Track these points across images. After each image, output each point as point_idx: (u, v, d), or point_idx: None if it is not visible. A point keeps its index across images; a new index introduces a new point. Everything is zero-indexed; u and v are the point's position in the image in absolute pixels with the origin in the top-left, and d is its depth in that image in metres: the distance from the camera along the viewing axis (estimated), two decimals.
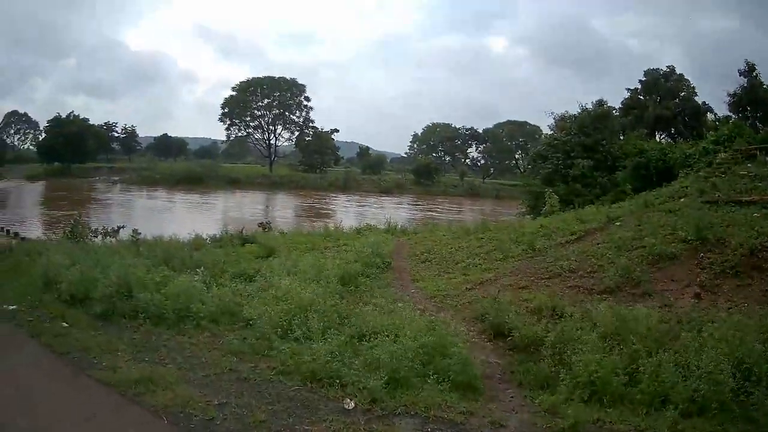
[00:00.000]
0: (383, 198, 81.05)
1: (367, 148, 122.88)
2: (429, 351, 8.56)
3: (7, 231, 30.93)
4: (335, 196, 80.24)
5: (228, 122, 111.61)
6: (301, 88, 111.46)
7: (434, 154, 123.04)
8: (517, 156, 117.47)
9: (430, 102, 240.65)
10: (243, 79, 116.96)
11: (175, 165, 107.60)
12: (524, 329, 9.83)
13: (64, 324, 10.76)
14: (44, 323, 10.81)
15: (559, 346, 8.70)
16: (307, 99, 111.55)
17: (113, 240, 20.99)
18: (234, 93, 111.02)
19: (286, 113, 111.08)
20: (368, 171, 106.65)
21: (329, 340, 9.02)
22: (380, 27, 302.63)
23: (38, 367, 8.98)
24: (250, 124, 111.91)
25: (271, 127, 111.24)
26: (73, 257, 14.21)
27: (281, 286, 11.86)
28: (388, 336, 8.81)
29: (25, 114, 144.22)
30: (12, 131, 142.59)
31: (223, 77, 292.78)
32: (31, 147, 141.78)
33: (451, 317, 11.09)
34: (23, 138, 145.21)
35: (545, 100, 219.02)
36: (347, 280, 13.85)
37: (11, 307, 11.68)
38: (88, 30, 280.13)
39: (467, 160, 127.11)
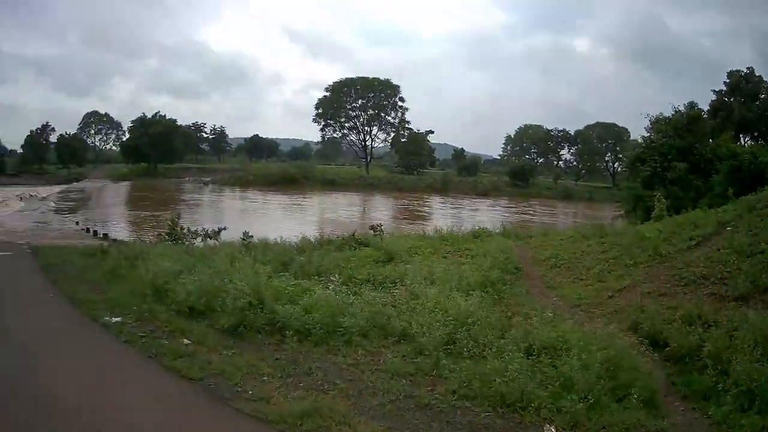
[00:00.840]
0: (477, 200, 79.55)
1: (462, 149, 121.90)
2: (610, 367, 8.03)
3: (94, 232, 31.39)
4: (428, 198, 79.14)
5: (322, 123, 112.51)
6: (396, 89, 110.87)
7: (526, 156, 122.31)
8: (606, 158, 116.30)
9: (519, 103, 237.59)
10: (332, 79, 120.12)
11: (270, 166, 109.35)
12: (680, 339, 9.41)
13: (186, 341, 9.66)
14: (160, 340, 9.71)
15: (719, 356, 8.34)
16: (402, 99, 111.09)
17: (215, 242, 20.37)
18: (327, 93, 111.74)
19: (382, 114, 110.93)
20: (464, 173, 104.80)
21: (505, 356, 8.24)
22: (467, 26, 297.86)
23: (166, 398, 7.77)
24: (345, 124, 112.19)
25: (366, 128, 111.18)
26: (183, 262, 13.38)
27: (428, 295, 11.09)
28: (560, 350, 8.39)
29: (106, 114, 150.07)
30: (92, 131, 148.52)
31: (312, 78, 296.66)
32: (113, 147, 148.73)
33: (603, 327, 10.13)
34: (105, 138, 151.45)
35: (628, 101, 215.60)
36: (487, 287, 12.97)
37: (115, 320, 10.61)
38: (168, 30, 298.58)
39: (560, 163, 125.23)
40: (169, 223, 22.02)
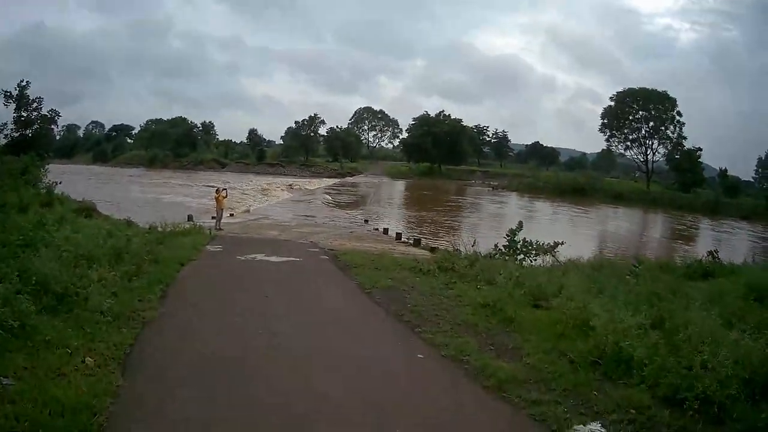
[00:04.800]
0: (741, 223, 77.62)
1: (725, 170, 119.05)
2: None
3: (398, 235, 28.95)
4: (704, 219, 79.49)
5: (608, 133, 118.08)
6: (673, 102, 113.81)
7: None
8: None
9: (760, 122, 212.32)
10: (600, 90, 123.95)
11: (560, 174, 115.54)
12: None
13: None
14: None
15: None
16: (679, 114, 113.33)
17: (550, 259, 19.51)
18: (612, 104, 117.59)
19: (661, 128, 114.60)
20: (726, 194, 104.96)
21: None
22: (711, 40, 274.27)
23: None
24: (629, 136, 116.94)
25: (648, 141, 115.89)
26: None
27: None
28: None
29: (381, 111, 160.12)
30: (365, 127, 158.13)
31: (580, 87, 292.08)
32: (389, 144, 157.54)
33: None
34: (379, 135, 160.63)
35: None
36: None
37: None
38: (434, 32, 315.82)
39: None
40: (507, 234, 20.18)
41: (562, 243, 20.12)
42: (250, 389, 7.20)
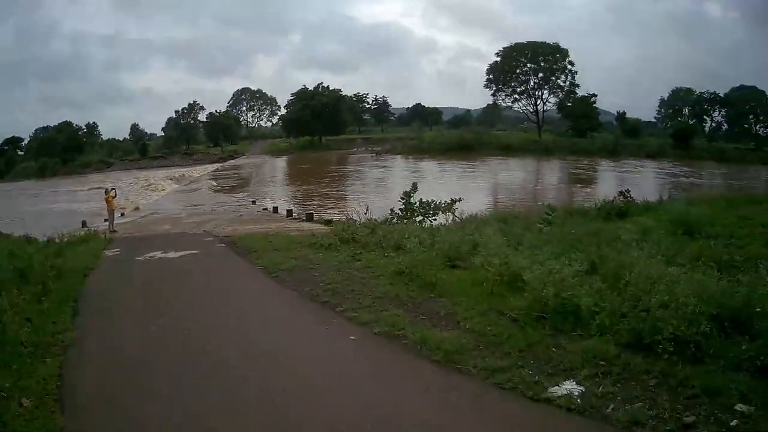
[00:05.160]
0: (645, 162, 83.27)
1: (624, 112, 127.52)
2: None
3: (288, 212, 29.11)
4: (602, 162, 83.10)
5: (494, 88, 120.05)
6: (564, 53, 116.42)
7: (679, 119, 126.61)
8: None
9: (663, 67, 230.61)
10: (484, 48, 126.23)
11: (444, 133, 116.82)
12: None
13: None
14: None
15: None
16: (571, 63, 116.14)
17: (449, 217, 19.80)
18: (498, 59, 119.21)
19: (552, 78, 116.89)
20: (626, 136, 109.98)
21: None
22: None
23: None
24: (517, 89, 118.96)
25: (537, 92, 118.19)
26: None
27: None
28: None
29: (259, 90, 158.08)
30: (244, 108, 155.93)
31: (464, 46, 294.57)
32: (268, 123, 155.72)
33: None
34: (258, 114, 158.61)
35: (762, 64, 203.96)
36: None
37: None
38: (309, 5, 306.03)
39: (711, 125, 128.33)
40: (402, 197, 20.92)
41: (460, 200, 20.64)
42: (191, 399, 7.06)
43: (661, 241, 12.56)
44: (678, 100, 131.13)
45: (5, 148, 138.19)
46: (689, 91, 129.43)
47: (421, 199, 20.55)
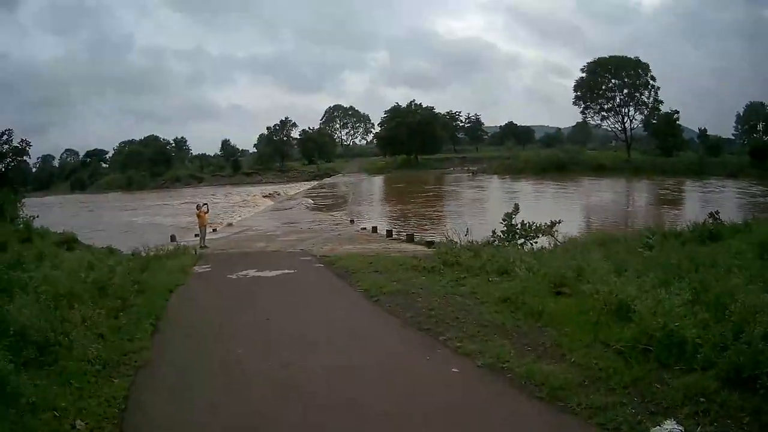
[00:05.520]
0: (726, 181, 78.26)
1: (705, 130, 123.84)
2: None
3: (388, 232, 28.28)
4: (686, 181, 79.48)
5: (582, 105, 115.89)
6: (646, 67, 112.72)
7: (754, 135, 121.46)
8: None
9: (738, 79, 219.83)
10: (566, 62, 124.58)
11: (540, 152, 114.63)
12: None
13: None
14: None
15: None
16: (653, 78, 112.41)
17: (550, 239, 19.39)
18: (584, 75, 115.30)
19: (636, 94, 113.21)
20: (708, 154, 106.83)
21: None
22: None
23: None
24: (604, 106, 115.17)
25: (624, 109, 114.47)
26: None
27: None
28: None
29: (351, 107, 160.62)
30: (337, 125, 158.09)
31: (547, 60, 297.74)
32: (363, 140, 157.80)
33: None
34: (351, 132, 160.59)
35: None
36: None
37: None
38: (394, 21, 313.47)
39: None
40: (504, 218, 19.89)
41: (560, 222, 19.91)
42: None
43: (753, 265, 11.33)
44: (753, 115, 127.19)
45: (88, 160, 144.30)
46: (762, 105, 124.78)
47: (522, 221, 19.69)
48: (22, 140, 38.21)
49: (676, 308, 8.02)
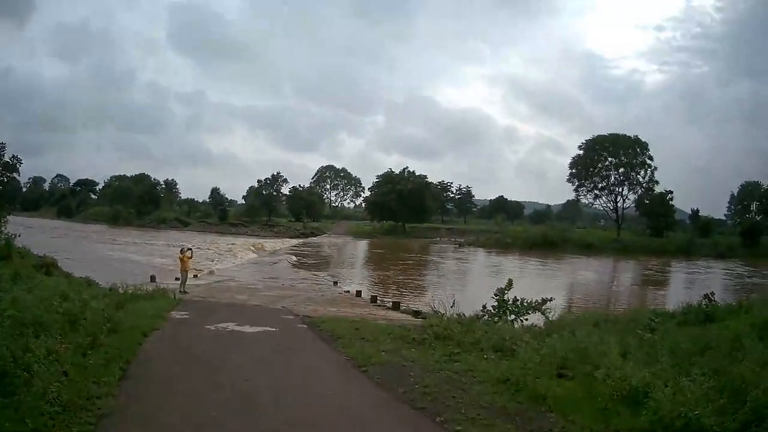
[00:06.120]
0: (713, 262, 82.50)
1: (698, 210, 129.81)
2: None
3: (373, 298, 27.52)
4: (672, 262, 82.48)
5: (576, 183, 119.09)
6: (644, 146, 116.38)
7: (746, 216, 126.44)
8: None
9: (732, 157, 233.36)
10: (562, 138, 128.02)
11: (530, 228, 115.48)
12: None
13: None
14: None
15: None
16: (650, 158, 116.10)
17: (545, 318, 18.59)
18: (581, 152, 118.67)
19: (632, 173, 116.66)
20: (699, 235, 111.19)
21: None
22: (680, 78, 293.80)
23: None
24: (599, 185, 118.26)
25: (617, 188, 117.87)
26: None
27: None
28: None
29: (344, 169, 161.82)
30: (328, 186, 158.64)
31: (542, 135, 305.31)
32: (352, 203, 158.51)
33: None
34: (341, 193, 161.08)
35: None
36: None
37: None
38: (395, 86, 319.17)
39: None
40: (496, 293, 18.84)
41: (551, 299, 19.17)
42: None
43: (756, 348, 10.87)
44: (747, 195, 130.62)
45: (78, 188, 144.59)
46: (757, 185, 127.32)
47: (515, 297, 18.92)
48: (13, 156, 37.34)
49: (694, 395, 7.72)
